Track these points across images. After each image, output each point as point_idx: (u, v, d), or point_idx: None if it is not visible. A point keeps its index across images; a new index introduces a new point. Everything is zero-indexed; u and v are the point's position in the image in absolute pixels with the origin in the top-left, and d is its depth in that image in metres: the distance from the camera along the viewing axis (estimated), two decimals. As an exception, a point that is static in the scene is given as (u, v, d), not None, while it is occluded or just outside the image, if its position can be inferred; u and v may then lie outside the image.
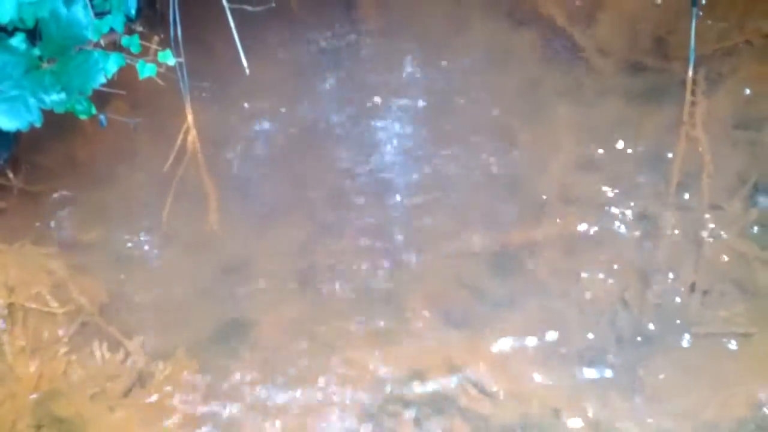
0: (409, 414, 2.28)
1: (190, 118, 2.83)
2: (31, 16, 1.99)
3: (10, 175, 2.68)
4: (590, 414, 2.31)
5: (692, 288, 2.57)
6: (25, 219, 2.64)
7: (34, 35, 2.31)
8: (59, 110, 2.20)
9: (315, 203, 2.80)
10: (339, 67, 3.02)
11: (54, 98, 2.02)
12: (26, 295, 2.49)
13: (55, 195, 2.72)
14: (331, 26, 3.12)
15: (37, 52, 2.07)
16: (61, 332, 2.43)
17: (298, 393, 2.35)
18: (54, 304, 2.48)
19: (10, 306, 2.44)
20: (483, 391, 2.33)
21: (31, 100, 2.00)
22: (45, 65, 2.06)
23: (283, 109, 2.95)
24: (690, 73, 2.89)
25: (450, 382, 2.35)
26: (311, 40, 3.07)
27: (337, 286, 2.62)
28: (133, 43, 2.51)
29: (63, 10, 2.04)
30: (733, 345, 2.40)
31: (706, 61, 2.97)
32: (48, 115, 2.17)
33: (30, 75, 2.02)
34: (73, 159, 2.83)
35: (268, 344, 2.49)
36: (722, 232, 2.64)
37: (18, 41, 2.16)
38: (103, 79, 2.08)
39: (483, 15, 3.20)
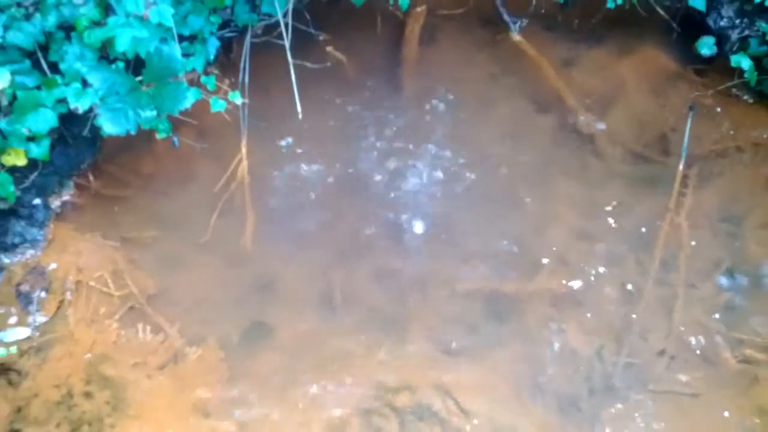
0: (396, 418, 2.76)
1: (244, 150, 3.43)
2: (142, 49, 2.64)
3: (91, 178, 3.28)
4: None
5: (662, 353, 3.04)
6: (97, 215, 3.22)
7: (128, 64, 2.98)
8: (146, 126, 2.83)
9: (339, 239, 3.32)
10: (378, 125, 3.62)
11: (147, 114, 2.64)
12: (91, 276, 3.05)
13: (123, 199, 3.32)
14: (376, 88, 3.74)
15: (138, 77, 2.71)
16: (114, 311, 2.98)
17: (304, 388, 2.84)
18: (112, 287, 3.03)
19: (78, 283, 3.01)
20: (461, 408, 2.80)
21: (130, 113, 2.62)
22: (144, 88, 2.70)
23: (324, 155, 3.54)
24: (681, 168, 3.43)
25: (435, 397, 2.82)
26: (357, 98, 3.69)
27: (349, 308, 3.13)
28: (210, 81, 3.18)
29: (165, 47, 2.68)
30: (685, 402, 2.85)
31: (700, 160, 3.51)
32: (121, 136, 2.81)
33: (132, 94, 2.65)
34: (140, 171, 3.43)
35: (283, 347, 2.98)
36: (693, 308, 3.11)
37: (119, 67, 2.84)
38: (188, 105, 2.70)
39: (511, 95, 3.78)
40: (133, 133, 2.68)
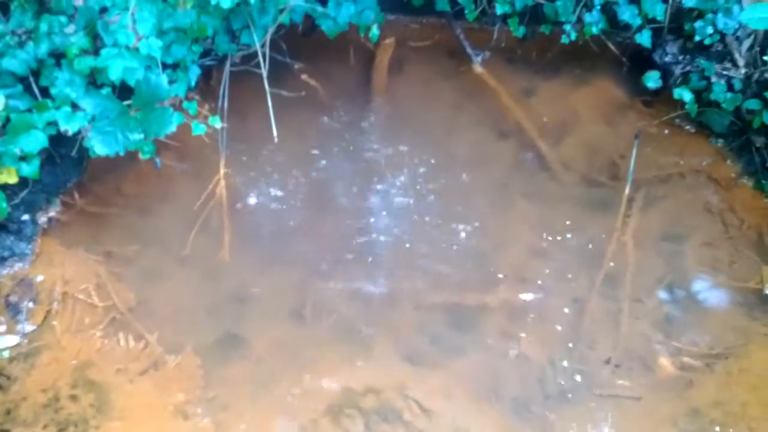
0: (362, 418, 3.02)
1: (222, 171, 3.69)
2: (132, 78, 2.91)
3: (76, 196, 3.52)
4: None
5: (608, 361, 3.34)
6: (82, 231, 3.45)
7: (113, 89, 3.24)
8: (133, 148, 3.09)
9: (311, 254, 3.59)
10: (348, 147, 3.92)
11: (135, 137, 2.90)
12: (76, 288, 3.27)
13: (106, 216, 3.56)
14: (348, 114, 4.04)
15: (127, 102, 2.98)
16: (97, 320, 3.20)
17: (275, 392, 3.09)
18: (95, 298, 3.26)
19: (64, 294, 3.24)
20: (423, 410, 3.07)
21: (119, 136, 2.88)
22: (132, 112, 2.96)
23: (298, 176, 3.82)
24: (627, 191, 3.77)
25: (398, 400, 3.08)
26: (330, 124, 3.99)
27: (319, 319, 3.39)
28: (191, 106, 3.45)
29: (152, 76, 2.95)
30: (627, 405, 3.15)
31: (646, 184, 3.85)
32: (106, 157, 3.07)
33: (121, 118, 2.92)
34: (123, 190, 3.67)
35: (256, 356, 3.22)
36: (637, 320, 3.42)
37: (107, 92, 3.11)
38: (173, 129, 2.97)
39: (474, 123, 4.10)
40: (121, 153, 2.94)
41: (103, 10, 3.26)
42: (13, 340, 3.05)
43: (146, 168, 3.66)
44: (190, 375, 3.10)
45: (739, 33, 3.67)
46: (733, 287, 3.47)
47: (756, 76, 3.72)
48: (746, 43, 3.68)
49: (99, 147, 2.87)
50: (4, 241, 3.25)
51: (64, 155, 3.45)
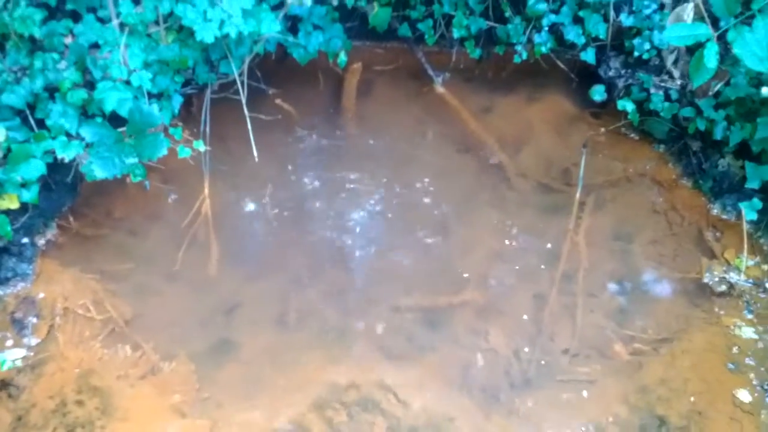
0: (345, 410, 3.33)
1: (206, 190, 4.01)
2: (124, 108, 3.23)
3: (71, 219, 3.81)
4: (478, 421, 3.37)
5: (566, 351, 3.70)
6: (77, 252, 3.74)
7: (103, 117, 3.55)
8: (127, 171, 3.40)
9: (292, 265, 3.91)
10: (322, 164, 4.27)
11: (130, 161, 3.22)
12: (76, 303, 3.55)
13: (100, 237, 3.85)
14: (320, 134, 4.39)
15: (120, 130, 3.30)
16: (97, 333, 3.49)
17: (265, 391, 3.39)
18: (94, 312, 3.54)
19: (65, 310, 3.52)
20: (400, 401, 3.39)
21: (116, 160, 3.20)
22: (127, 139, 3.28)
23: (277, 192, 4.15)
24: (578, 196, 4.16)
25: (378, 393, 3.40)
26: (304, 143, 4.34)
27: (302, 324, 3.70)
28: (177, 132, 3.76)
29: (144, 105, 3.28)
30: (584, 387, 3.51)
31: (596, 188, 4.24)
32: (95, 180, 3.38)
33: (117, 144, 3.23)
34: (113, 213, 3.97)
35: (246, 359, 3.53)
36: (592, 312, 3.79)
37: (102, 121, 3.42)
38: (165, 153, 3.29)
39: (437, 138, 4.47)
40: (119, 176, 3.25)
41: (93, 46, 3.58)
42: (20, 353, 3.33)
43: (134, 191, 3.96)
44: (185, 378, 3.39)
45: (666, 48, 4.09)
46: (676, 278, 3.86)
47: (689, 86, 4.14)
48: (671, 57, 4.11)
49: (98, 171, 3.18)
50: (6, 262, 3.53)
51: (59, 182, 3.74)
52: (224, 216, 3.99)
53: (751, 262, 3.84)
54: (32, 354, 3.36)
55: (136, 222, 3.93)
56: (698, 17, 3.32)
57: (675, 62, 3.95)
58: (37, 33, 3.51)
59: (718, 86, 3.94)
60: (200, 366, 3.47)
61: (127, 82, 3.28)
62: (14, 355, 3.29)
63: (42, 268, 3.64)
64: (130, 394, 3.28)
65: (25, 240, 3.62)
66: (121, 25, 3.40)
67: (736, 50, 2.92)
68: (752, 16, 2.90)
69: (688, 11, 3.31)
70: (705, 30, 2.95)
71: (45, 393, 3.25)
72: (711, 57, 2.93)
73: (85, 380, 3.29)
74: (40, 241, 3.68)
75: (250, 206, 4.07)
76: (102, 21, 3.55)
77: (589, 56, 4.40)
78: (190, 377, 3.40)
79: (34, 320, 3.45)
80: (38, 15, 3.51)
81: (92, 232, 3.84)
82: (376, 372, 3.50)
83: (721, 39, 3.16)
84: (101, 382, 3.29)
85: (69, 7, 3.73)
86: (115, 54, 3.26)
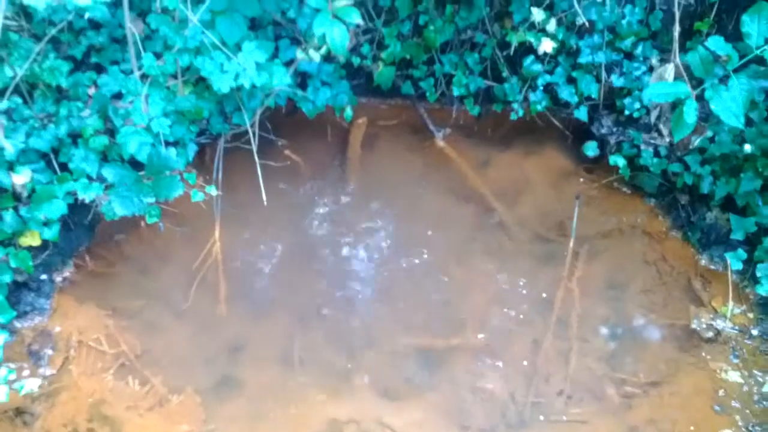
0: (344, 443, 3.49)
1: (217, 233, 4.23)
2: (142, 152, 3.49)
3: (87, 258, 4.03)
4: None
5: (560, 392, 3.84)
6: (92, 289, 3.94)
7: (122, 161, 3.80)
8: (145, 211, 3.63)
9: (298, 306, 4.10)
10: (328, 211, 4.50)
11: (148, 200, 3.45)
12: (89, 337, 3.74)
13: (113, 275, 4.06)
14: (326, 184, 4.64)
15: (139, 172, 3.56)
16: (109, 365, 3.66)
17: (268, 423, 3.54)
18: (106, 346, 3.72)
19: (79, 342, 3.70)
20: (398, 436, 3.55)
21: (135, 199, 3.43)
22: (145, 180, 3.52)
23: (285, 237, 4.37)
24: (571, 245, 4.37)
25: (376, 428, 3.55)
26: (311, 192, 4.58)
27: (306, 363, 3.87)
28: (191, 177, 4.00)
29: (162, 150, 3.53)
30: (576, 428, 3.65)
31: (589, 240, 4.45)
32: (111, 222, 3.61)
33: (136, 185, 3.47)
34: (127, 253, 4.19)
35: (250, 394, 3.68)
36: (585, 356, 3.95)
37: (122, 164, 3.67)
38: (181, 193, 3.52)
39: (437, 190, 4.70)
40: (137, 214, 3.48)
41: (115, 96, 3.85)
42: (35, 382, 3.50)
43: (148, 232, 4.18)
44: (191, 411, 3.54)
45: (649, 104, 4.37)
46: (666, 325, 4.03)
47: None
48: (654, 113, 4.38)
49: (119, 209, 3.41)
50: (26, 297, 3.73)
51: (77, 222, 3.96)
52: (233, 258, 4.20)
53: (737, 310, 4.02)
54: (47, 384, 3.53)
55: (149, 262, 4.13)
56: (679, 77, 3.59)
57: (658, 117, 4.21)
58: (64, 83, 3.80)
59: (698, 140, 4.20)
60: (206, 400, 3.63)
61: (147, 129, 3.53)
62: (30, 385, 3.45)
63: (59, 303, 3.83)
64: (139, 423, 3.43)
65: (44, 276, 3.82)
66: (143, 77, 3.68)
67: (713, 107, 3.16)
68: (728, 76, 3.15)
69: (669, 71, 3.58)
70: (684, 88, 3.21)
71: (58, 421, 3.40)
72: (690, 113, 3.17)
73: (96, 409, 3.45)
74: (58, 278, 3.89)
75: (259, 249, 4.28)
76: (124, 73, 3.84)
77: (582, 114, 4.67)
78: (196, 409, 3.55)
79: (50, 352, 3.62)
80: (65, 67, 3.79)
81: (107, 270, 4.05)
82: (375, 410, 3.66)
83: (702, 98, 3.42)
84: (112, 412, 3.44)
85: (93, 60, 4.03)
86: (136, 102, 3.52)
